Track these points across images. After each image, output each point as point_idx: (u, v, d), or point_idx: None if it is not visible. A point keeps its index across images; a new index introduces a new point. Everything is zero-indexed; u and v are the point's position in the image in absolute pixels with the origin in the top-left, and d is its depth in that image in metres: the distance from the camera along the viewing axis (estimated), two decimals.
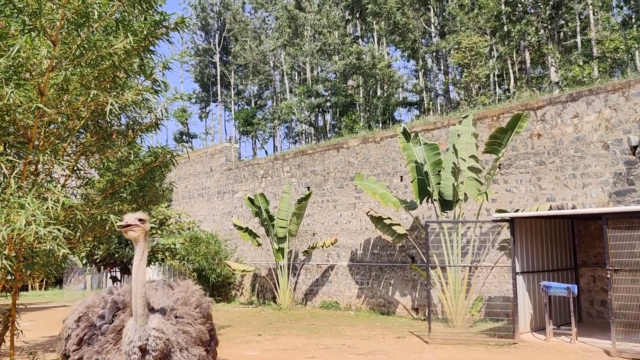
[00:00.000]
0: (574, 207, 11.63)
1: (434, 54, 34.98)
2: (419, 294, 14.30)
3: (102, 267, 14.34)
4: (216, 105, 50.66)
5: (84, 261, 14.09)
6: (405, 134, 12.99)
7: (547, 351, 9.15)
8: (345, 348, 9.99)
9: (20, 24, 4.97)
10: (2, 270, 5.09)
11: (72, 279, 26.93)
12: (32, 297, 23.22)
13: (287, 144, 47.43)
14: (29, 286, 27.10)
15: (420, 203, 13.03)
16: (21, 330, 6.67)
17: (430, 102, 35.64)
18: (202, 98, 52.62)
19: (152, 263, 14.74)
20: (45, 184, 5.22)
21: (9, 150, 5.35)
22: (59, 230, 4.65)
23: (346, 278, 16.30)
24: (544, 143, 12.46)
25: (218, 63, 47.33)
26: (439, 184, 12.41)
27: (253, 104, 48.04)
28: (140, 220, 3.89)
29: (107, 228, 6.01)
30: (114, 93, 5.42)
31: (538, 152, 12.53)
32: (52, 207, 4.74)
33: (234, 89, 48.44)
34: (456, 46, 27.77)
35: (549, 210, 11.15)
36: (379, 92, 35.77)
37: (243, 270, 17.64)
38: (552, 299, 10.36)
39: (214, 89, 49.79)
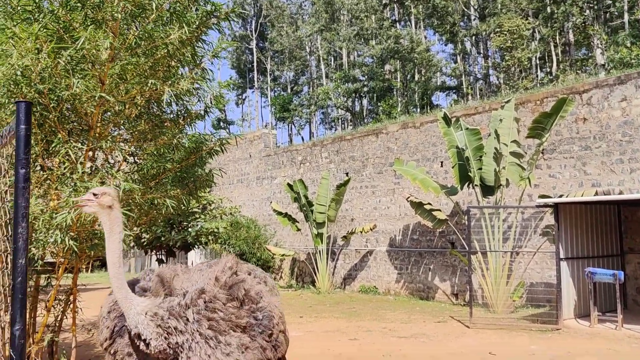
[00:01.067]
0: (620, 193, 11.41)
1: (474, 37, 34.38)
2: (459, 279, 14.30)
3: (148, 250, 14.83)
4: (252, 91, 51.15)
5: (132, 244, 14.61)
6: (446, 119, 12.93)
7: (591, 337, 9.09)
8: (387, 331, 10.14)
9: (83, 17, 5.21)
10: (68, 251, 5.40)
11: None
12: (79, 279, 24.15)
13: (323, 129, 47.61)
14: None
15: (461, 188, 12.99)
16: (81, 308, 7.03)
17: (469, 87, 35.11)
18: (239, 84, 53.17)
19: (197, 246, 15.16)
20: (106, 169, 5.49)
21: (70, 138, 5.63)
22: (123, 213, 4.89)
23: (385, 263, 16.41)
24: (589, 127, 12.21)
25: (254, 49, 47.68)
26: (480, 169, 12.34)
27: (289, 90, 48.29)
28: (94, 194, 3.50)
29: (163, 212, 6.27)
30: (170, 82, 5.63)
31: (583, 136, 12.29)
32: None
33: (270, 75, 48.75)
34: (497, 29, 27.23)
35: (594, 195, 10.98)
36: (416, 77, 35.47)
37: (282, 255, 17.94)
38: (597, 286, 10.25)
39: (251, 76, 50.23)
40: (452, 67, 37.97)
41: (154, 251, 14.87)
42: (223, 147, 7.34)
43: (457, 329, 10.32)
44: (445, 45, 42.92)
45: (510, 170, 12.03)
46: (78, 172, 4.83)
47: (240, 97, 55.05)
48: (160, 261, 15.15)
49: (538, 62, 30.33)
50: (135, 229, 9.60)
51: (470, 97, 32.03)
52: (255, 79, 48.46)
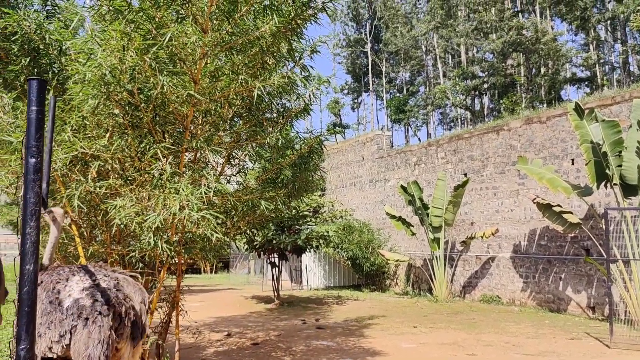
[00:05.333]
0: None
1: (609, 22, 31.06)
2: (596, 290, 12.69)
3: (261, 253, 14.94)
4: (368, 95, 50.89)
5: (245, 247, 14.80)
6: (578, 111, 11.52)
7: None
8: (510, 347, 9.13)
9: (174, 15, 5.09)
10: (164, 253, 5.30)
11: (237, 264, 28.90)
12: (203, 280, 25.34)
13: (441, 130, 46.05)
14: (202, 269, 29.68)
15: (597, 188, 11.48)
16: (186, 311, 7.01)
17: (605, 77, 31.78)
18: (354, 89, 53.21)
19: (308, 250, 15.02)
20: (200, 171, 5.34)
21: (168, 140, 5.57)
22: (211, 215, 4.67)
23: (509, 271, 15.10)
24: None
25: (369, 52, 47.37)
26: (620, 166, 10.81)
27: (405, 91, 47.33)
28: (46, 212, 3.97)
29: (257, 214, 6.03)
30: (262, 78, 5.35)
31: None
32: (204, 193, 4.78)
33: (385, 77, 48.16)
34: (639, 8, 24.23)
35: None
36: (542, 70, 32.83)
37: (397, 260, 17.28)
38: None
39: (366, 79, 50.00)
40: (583, 56, 34.58)
41: (267, 254, 14.95)
42: (323, 146, 6.97)
43: (594, 348, 9.02)
44: (576, 35, 39.40)
45: None
46: (166, 173, 4.68)
47: (355, 101, 55.06)
48: (272, 264, 15.21)
49: None
50: (247, 231, 9.54)
51: (605, 89, 28.94)
52: (370, 82, 48.11)
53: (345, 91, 53.41)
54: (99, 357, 3.39)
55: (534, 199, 12.99)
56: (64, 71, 5.55)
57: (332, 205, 16.00)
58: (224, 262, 29.71)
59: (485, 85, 34.42)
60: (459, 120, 40.32)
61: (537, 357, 8.34)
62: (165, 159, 4.76)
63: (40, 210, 1.73)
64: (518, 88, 33.29)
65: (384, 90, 48.58)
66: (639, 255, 10.56)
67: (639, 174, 10.49)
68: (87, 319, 3.46)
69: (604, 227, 10.08)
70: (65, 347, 3.41)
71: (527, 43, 30.30)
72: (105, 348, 3.41)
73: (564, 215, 12.23)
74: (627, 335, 9.79)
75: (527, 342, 9.49)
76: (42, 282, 3.71)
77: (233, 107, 6.03)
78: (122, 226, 5.49)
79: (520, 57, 32.63)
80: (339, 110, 50.16)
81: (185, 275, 27.54)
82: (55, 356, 3.43)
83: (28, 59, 5.42)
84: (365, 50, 48.53)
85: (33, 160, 1.69)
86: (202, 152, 5.95)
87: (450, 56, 42.19)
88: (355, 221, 19.87)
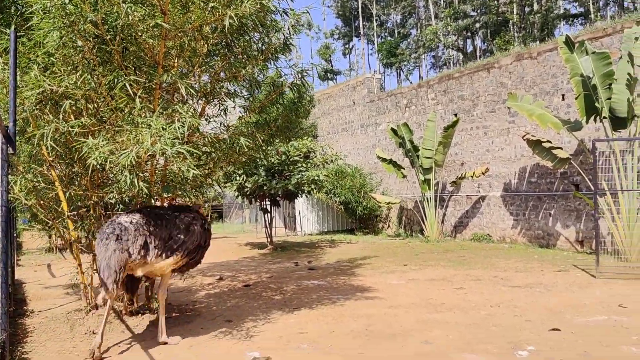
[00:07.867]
0: None
1: None
2: (584, 225, 12.81)
3: (252, 200, 14.91)
4: (359, 40, 49.84)
5: (236, 194, 14.74)
6: (569, 44, 11.27)
7: None
8: (498, 280, 9.26)
9: None
10: (142, 193, 5.22)
11: (232, 213, 29.00)
12: None
13: (434, 73, 45.37)
14: None
15: (587, 122, 11.37)
16: None
17: (599, 14, 31.09)
18: (345, 34, 52.04)
19: (299, 195, 14.99)
20: (173, 106, 5.18)
21: (140, 74, 5.38)
22: (186, 150, 4.55)
23: (499, 209, 15.20)
24: None
25: None
26: (609, 99, 10.68)
27: (396, 35, 46.35)
28: None
29: (238, 152, 5.91)
30: (233, 6, 5.12)
31: None
32: (179, 129, 4.65)
33: (376, 20, 47.04)
34: None
35: None
36: (535, 7, 32.04)
37: (388, 203, 17.35)
38: None
39: (356, 23, 48.85)
40: None
41: (259, 200, 14.92)
42: (304, 81, 6.78)
43: (580, 278, 9.15)
44: None
45: None
46: (137, 108, 4.53)
47: (347, 46, 53.97)
48: (264, 210, 15.21)
49: None
50: (235, 176, 9.14)
51: (597, 23, 28.36)
52: (361, 26, 47.02)
53: (336, 36, 52.25)
54: (104, 265, 4.94)
55: (524, 135, 12.91)
56: (28, 7, 5.30)
57: (323, 150, 15.90)
58: (218, 212, 29.78)
59: (477, 25, 33.66)
60: (452, 62, 39.68)
61: (524, 288, 8.46)
62: (135, 94, 4.59)
63: None
64: (511, 27, 32.60)
65: (375, 34, 47.58)
66: (627, 187, 10.58)
67: (629, 107, 10.36)
68: (101, 240, 5.06)
69: (592, 161, 10.04)
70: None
71: None
72: (109, 259, 4.94)
73: (554, 151, 12.18)
74: (613, 265, 9.93)
75: (515, 276, 9.62)
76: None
77: (208, 41, 5.81)
78: (99, 167, 5.39)
79: None
80: (330, 56, 49.19)
81: None
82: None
83: None
84: None
85: None
86: (179, 90, 5.78)
87: None
88: (347, 166, 19.83)
